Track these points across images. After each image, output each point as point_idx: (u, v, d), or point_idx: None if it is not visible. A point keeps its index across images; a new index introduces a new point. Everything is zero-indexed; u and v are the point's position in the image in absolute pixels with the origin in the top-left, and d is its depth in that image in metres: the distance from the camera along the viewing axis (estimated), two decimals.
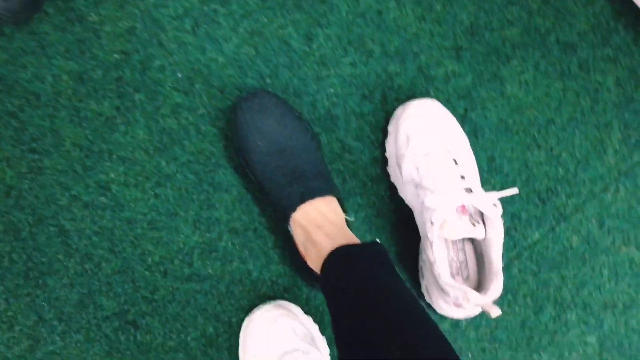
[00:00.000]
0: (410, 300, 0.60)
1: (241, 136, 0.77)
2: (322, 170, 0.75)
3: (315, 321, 0.81)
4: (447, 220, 0.73)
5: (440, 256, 0.73)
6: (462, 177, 0.75)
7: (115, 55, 0.82)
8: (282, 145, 0.77)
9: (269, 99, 0.77)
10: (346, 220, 0.76)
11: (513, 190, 0.71)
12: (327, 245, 0.68)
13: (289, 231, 0.74)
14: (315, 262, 0.71)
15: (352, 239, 0.69)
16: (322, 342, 0.80)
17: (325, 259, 0.67)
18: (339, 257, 0.66)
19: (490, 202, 0.71)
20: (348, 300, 0.63)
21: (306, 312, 0.81)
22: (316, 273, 0.72)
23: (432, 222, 0.72)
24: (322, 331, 0.81)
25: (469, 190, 0.75)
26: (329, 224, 0.72)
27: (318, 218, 0.73)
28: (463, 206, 0.75)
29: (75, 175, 0.81)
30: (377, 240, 0.74)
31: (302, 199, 0.73)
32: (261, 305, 0.77)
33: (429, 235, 0.73)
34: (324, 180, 0.74)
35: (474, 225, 0.74)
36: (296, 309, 0.79)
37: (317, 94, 0.84)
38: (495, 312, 0.71)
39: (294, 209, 0.73)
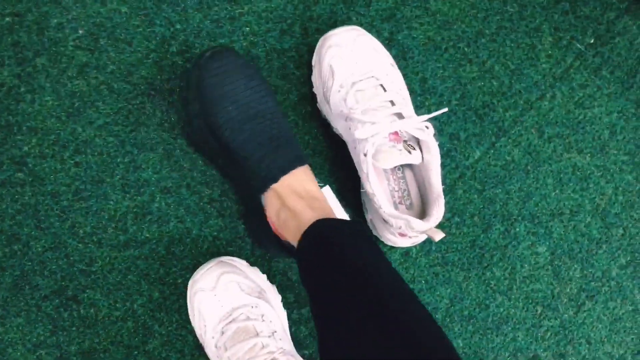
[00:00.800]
0: (395, 279, 0.59)
1: (207, 101, 0.71)
2: (293, 137, 0.72)
3: (262, 271, 0.78)
4: (380, 150, 0.70)
5: (378, 188, 0.71)
6: (392, 103, 0.72)
7: (7, 19, 0.75)
8: (253, 110, 0.72)
9: (235, 58, 0.71)
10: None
11: (442, 110, 0.68)
12: (308, 216, 0.66)
13: (257, 201, 0.71)
14: (292, 233, 0.68)
15: (332, 213, 0.67)
16: (272, 291, 0.78)
17: (305, 231, 0.64)
18: (321, 229, 0.64)
19: (421, 125, 0.68)
20: (328, 275, 0.62)
21: (252, 264, 0.78)
22: (288, 244, 0.69)
23: (364, 154, 0.69)
24: (271, 280, 0.79)
25: (400, 116, 0.72)
26: (309, 195, 0.70)
27: (299, 188, 0.70)
28: (395, 133, 0.72)
29: None
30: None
31: (284, 170, 0.70)
32: (204, 265, 0.75)
33: (363, 168, 0.70)
34: (298, 149, 0.71)
35: (408, 151, 0.71)
36: (240, 263, 0.76)
37: (233, 35, 0.79)
38: (438, 235, 0.70)
39: (275, 180, 0.69)
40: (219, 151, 0.73)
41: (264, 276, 0.79)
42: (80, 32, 0.76)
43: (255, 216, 0.74)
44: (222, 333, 0.73)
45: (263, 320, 0.73)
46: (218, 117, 0.71)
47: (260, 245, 0.78)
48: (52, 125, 0.77)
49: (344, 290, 0.59)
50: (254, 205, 0.73)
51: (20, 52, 0.76)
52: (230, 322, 0.73)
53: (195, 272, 0.76)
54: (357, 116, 0.71)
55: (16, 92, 0.76)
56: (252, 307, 0.73)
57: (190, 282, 0.76)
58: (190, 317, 0.76)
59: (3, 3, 0.75)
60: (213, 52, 0.70)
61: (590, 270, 0.87)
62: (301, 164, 0.70)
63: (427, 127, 0.69)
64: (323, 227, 0.65)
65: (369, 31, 0.80)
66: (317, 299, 0.62)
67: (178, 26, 0.78)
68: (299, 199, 0.69)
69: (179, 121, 0.78)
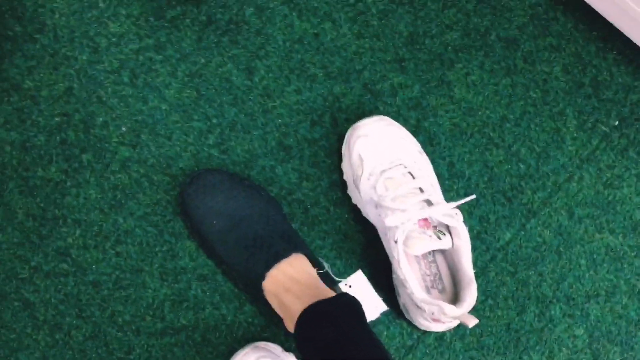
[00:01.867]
0: (378, 351, 0.63)
1: (194, 220, 0.79)
2: (284, 231, 0.77)
3: (297, 357, 0.79)
4: (410, 236, 0.72)
5: (410, 274, 0.72)
6: (421, 190, 0.74)
7: (56, 119, 0.81)
8: (236, 217, 0.78)
9: (212, 176, 0.79)
10: (321, 272, 0.75)
11: (470, 197, 0.70)
12: (296, 307, 0.70)
13: (263, 301, 0.75)
14: (289, 326, 0.72)
15: (321, 294, 0.70)
16: None
17: (296, 322, 0.68)
18: (308, 318, 0.68)
19: (450, 212, 0.70)
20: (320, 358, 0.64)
21: (287, 350, 0.79)
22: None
23: (395, 241, 0.71)
24: None
25: (429, 203, 0.74)
26: (297, 284, 0.73)
27: (285, 281, 0.74)
28: (425, 219, 0.74)
29: (33, 245, 0.80)
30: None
31: (268, 266, 0.74)
32: (239, 350, 0.76)
33: (394, 254, 0.72)
34: (286, 241, 0.76)
35: (439, 237, 0.73)
36: (275, 348, 0.77)
37: (266, 127, 0.83)
38: (472, 322, 0.70)
39: (262, 278, 0.74)
40: (220, 262, 0.80)
41: None
42: (124, 129, 0.82)
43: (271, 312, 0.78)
44: None
45: None
46: (206, 233, 0.78)
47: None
48: (95, 217, 0.81)
49: None
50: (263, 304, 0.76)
51: (67, 149, 0.81)
52: None
53: (232, 358, 0.77)
54: (387, 204, 0.73)
55: (62, 187, 0.81)
56: None
57: None
58: None
59: (53, 105, 0.81)
60: (192, 178, 0.78)
61: (630, 353, 0.86)
62: (287, 254, 0.75)
63: (455, 214, 0.71)
64: (307, 318, 0.68)
65: (396, 119, 0.84)
66: None
67: (215, 120, 0.83)
68: (286, 291, 0.73)
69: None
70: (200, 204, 0.76)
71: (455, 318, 0.72)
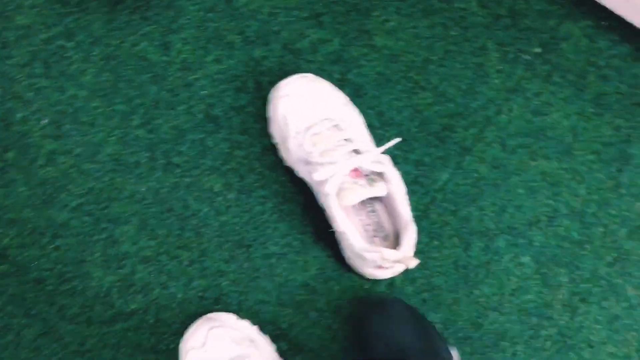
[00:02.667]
0: None
1: (363, 335, 0.77)
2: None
3: (253, 323, 0.80)
4: (342, 188, 0.73)
5: (348, 225, 0.73)
6: (348, 141, 0.75)
7: None
8: (399, 352, 0.76)
9: (396, 307, 0.78)
10: None
11: (395, 140, 0.71)
12: None
13: None
14: None
15: None
16: (264, 341, 0.79)
17: None
18: None
19: (377, 158, 0.70)
20: None
21: (243, 317, 0.80)
22: None
23: (327, 195, 0.71)
24: (263, 331, 0.81)
25: (358, 153, 0.75)
26: None
27: None
28: (356, 169, 0.75)
29: None
30: None
31: None
32: (191, 325, 0.76)
33: (329, 208, 0.72)
34: None
35: (371, 185, 0.74)
36: (228, 317, 0.78)
37: (191, 100, 0.83)
38: (412, 262, 0.71)
39: None
40: None
41: (255, 327, 0.80)
42: (45, 121, 0.81)
43: None
44: None
45: None
46: (367, 352, 0.75)
47: None
48: (28, 215, 0.80)
49: None
50: None
51: None
52: None
53: (184, 333, 0.78)
54: (316, 159, 0.74)
55: None
56: (245, 358, 0.75)
57: (180, 344, 0.78)
58: None
59: None
60: (378, 302, 0.77)
61: (578, 273, 0.88)
62: None
63: (384, 159, 0.72)
64: None
65: (320, 75, 0.84)
66: None
67: (137, 101, 0.82)
68: None
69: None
70: (376, 327, 0.76)
71: (396, 262, 0.73)
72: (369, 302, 0.78)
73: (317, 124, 0.77)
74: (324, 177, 0.72)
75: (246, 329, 0.80)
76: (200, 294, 0.83)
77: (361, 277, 0.84)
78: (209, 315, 0.79)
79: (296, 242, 0.85)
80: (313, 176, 0.72)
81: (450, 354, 0.77)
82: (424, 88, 0.87)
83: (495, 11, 0.88)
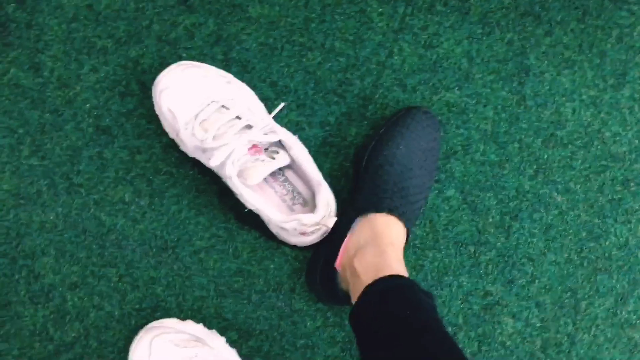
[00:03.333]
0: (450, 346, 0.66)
1: (391, 142, 0.83)
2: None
3: (197, 321, 0.80)
4: (244, 168, 0.73)
5: (259, 202, 0.74)
6: (238, 118, 0.74)
7: None
8: (420, 167, 0.84)
9: (426, 119, 0.84)
10: None
11: (280, 106, 0.71)
12: (392, 264, 0.72)
13: (348, 223, 0.78)
14: (365, 269, 0.73)
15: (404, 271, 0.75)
16: (212, 336, 0.80)
17: (382, 277, 0.70)
18: (401, 286, 0.70)
19: (268, 129, 0.70)
20: (386, 329, 0.67)
21: (185, 319, 0.79)
22: (340, 274, 0.77)
23: (229, 176, 0.71)
24: (209, 326, 0.81)
25: (250, 127, 0.74)
26: (401, 250, 0.77)
27: (399, 239, 0.78)
28: (255, 146, 0.75)
29: None
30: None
31: (403, 216, 0.78)
32: (134, 338, 0.76)
33: (234, 190, 0.72)
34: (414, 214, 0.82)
35: (272, 157, 0.73)
36: (170, 322, 0.79)
37: (77, 117, 0.82)
38: (331, 222, 0.72)
39: (390, 212, 0.77)
40: (364, 167, 0.83)
41: (200, 325, 0.80)
42: None
43: (331, 239, 0.81)
44: None
45: None
46: (395, 152, 0.82)
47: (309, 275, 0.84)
48: None
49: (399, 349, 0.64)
50: (342, 224, 0.80)
51: None
52: None
53: (129, 348, 0.77)
54: (210, 145, 0.74)
55: None
56: (193, 357, 0.75)
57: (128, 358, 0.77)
58: None
59: None
60: (415, 109, 0.86)
61: (503, 193, 0.91)
62: (410, 225, 0.80)
63: (276, 128, 0.72)
64: (403, 282, 0.71)
65: (203, 60, 0.84)
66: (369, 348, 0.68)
67: (21, 130, 0.81)
68: (390, 243, 0.76)
69: None
70: (406, 133, 0.83)
71: (317, 224, 0.73)
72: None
73: (203, 110, 0.77)
74: (221, 160, 0.72)
75: (191, 329, 0.80)
76: (137, 306, 0.83)
77: (293, 247, 0.84)
78: (150, 324, 0.80)
79: (221, 232, 0.85)
80: (210, 162, 0.71)
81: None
82: (310, 48, 0.87)
83: None
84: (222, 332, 0.85)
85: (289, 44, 0.90)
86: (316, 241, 0.87)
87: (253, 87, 0.87)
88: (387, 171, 0.79)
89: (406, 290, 0.70)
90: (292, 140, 0.76)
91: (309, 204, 0.85)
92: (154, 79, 0.88)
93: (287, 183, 0.84)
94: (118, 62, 0.86)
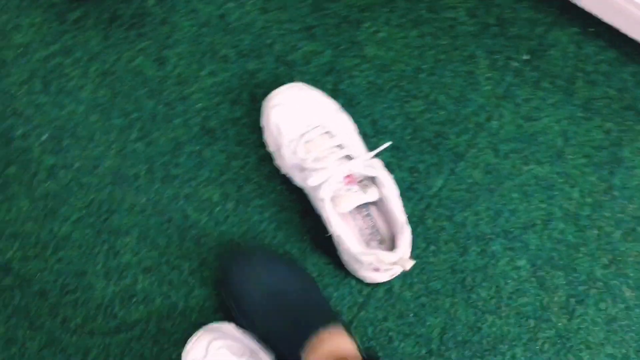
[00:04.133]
0: None
1: (238, 296, 0.83)
2: (320, 303, 0.83)
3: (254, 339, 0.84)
4: (337, 195, 0.76)
5: (344, 229, 0.77)
6: (340, 147, 0.78)
7: None
8: (277, 290, 0.83)
9: (252, 253, 0.84)
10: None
11: (385, 145, 0.75)
12: None
13: None
14: None
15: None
16: (263, 350, 0.82)
17: None
18: None
19: (368, 163, 0.74)
20: None
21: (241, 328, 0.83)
22: None
23: (322, 200, 0.75)
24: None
25: (349, 158, 0.78)
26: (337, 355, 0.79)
27: (326, 353, 0.78)
28: (349, 176, 0.79)
29: None
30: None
31: (300, 344, 0.79)
32: (192, 336, 0.80)
33: (323, 213, 0.77)
34: (325, 312, 0.82)
35: (364, 191, 0.77)
36: (228, 327, 0.82)
37: (187, 113, 0.87)
38: (409, 264, 0.75)
39: (302, 347, 0.79)
40: (258, 335, 0.85)
41: (255, 337, 0.83)
42: (44, 137, 0.85)
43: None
44: None
45: None
46: (248, 306, 0.82)
47: None
48: (30, 228, 0.84)
49: None
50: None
51: None
52: None
53: (186, 345, 0.80)
54: (309, 165, 0.78)
55: None
56: None
57: (182, 356, 0.80)
58: None
59: None
60: (237, 255, 0.84)
61: (574, 275, 0.92)
62: (325, 326, 0.79)
63: (375, 164, 0.75)
64: None
65: (314, 86, 0.88)
66: None
67: (134, 115, 0.86)
68: None
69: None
70: (244, 280, 0.83)
71: (393, 264, 0.76)
72: (229, 256, 0.85)
73: (309, 132, 0.81)
74: (318, 182, 0.76)
75: (246, 339, 0.83)
76: (201, 303, 0.86)
77: (359, 281, 0.87)
78: (210, 325, 0.82)
79: (295, 250, 0.88)
80: (307, 182, 0.76)
81: (315, 283, 0.85)
82: (415, 96, 0.92)
83: (484, 20, 0.93)
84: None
85: (397, 88, 0.95)
86: (385, 280, 0.89)
87: (354, 120, 0.92)
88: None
89: None
90: (386, 179, 0.80)
91: (385, 243, 0.88)
92: (265, 93, 0.94)
93: (369, 218, 0.88)
94: (235, 72, 0.92)
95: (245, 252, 0.85)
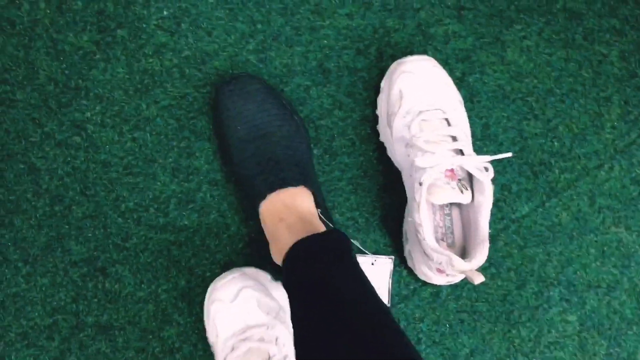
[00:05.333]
0: (372, 302, 0.66)
1: (220, 120, 0.82)
2: (301, 160, 0.82)
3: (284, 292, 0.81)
4: (434, 184, 0.74)
5: (427, 220, 0.75)
6: (454, 139, 0.76)
7: None
8: (261, 131, 0.81)
9: (252, 83, 0.82)
10: (321, 215, 0.76)
11: (506, 154, 0.73)
12: (287, 239, 0.74)
13: (257, 217, 0.80)
14: (277, 257, 0.77)
15: (314, 230, 0.74)
16: (288, 314, 0.80)
17: (285, 255, 0.72)
18: (297, 253, 0.72)
19: (481, 165, 0.71)
20: (306, 301, 0.68)
21: (277, 279, 0.80)
22: (279, 267, 0.72)
23: (420, 183, 0.72)
24: None
25: (459, 153, 0.76)
26: (294, 216, 0.77)
27: (283, 209, 0.78)
28: (452, 170, 0.77)
29: (49, 111, 0.81)
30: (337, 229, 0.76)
31: (271, 188, 0.78)
32: (226, 273, 0.77)
33: (416, 197, 0.74)
34: (299, 171, 0.80)
35: (461, 191, 0.75)
36: (264, 277, 0.79)
37: (310, 45, 0.84)
38: (478, 279, 0.73)
39: (262, 198, 0.78)
40: (230, 171, 0.83)
41: (286, 296, 0.81)
42: (165, 13, 0.82)
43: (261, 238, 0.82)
44: (233, 349, 0.75)
45: (276, 344, 0.76)
46: (227, 137, 0.81)
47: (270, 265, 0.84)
48: (118, 97, 0.81)
49: (316, 324, 0.65)
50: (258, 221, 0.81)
51: (103, 20, 0.81)
52: (244, 340, 0.75)
53: (217, 279, 0.79)
54: (420, 144, 0.75)
55: (91, 59, 0.81)
56: (268, 327, 0.75)
57: (210, 288, 0.79)
58: (205, 321, 0.79)
59: None
60: (231, 77, 0.82)
61: (616, 349, 0.90)
62: (294, 184, 0.78)
63: (486, 169, 0.73)
64: (297, 253, 0.71)
65: (443, 67, 0.84)
66: (295, 328, 0.68)
67: (259, 26, 0.83)
68: (280, 220, 0.77)
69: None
70: (232, 106, 0.77)
71: (461, 272, 0.74)
72: (224, 82, 0.82)
73: (430, 111, 0.78)
74: (424, 164, 0.74)
75: (278, 294, 0.80)
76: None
77: (411, 272, 0.86)
78: (246, 270, 0.80)
79: (361, 220, 0.87)
80: (415, 160, 0.73)
81: (307, 138, 0.83)
82: (537, 117, 0.88)
83: (633, 68, 0.89)
84: None
85: (522, 101, 0.92)
86: (439, 283, 0.87)
87: (468, 117, 0.89)
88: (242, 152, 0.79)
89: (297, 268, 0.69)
90: (488, 187, 0.77)
91: (455, 247, 0.85)
92: (393, 55, 0.91)
93: (448, 218, 0.85)
94: (372, 23, 0.89)
95: (245, 80, 0.81)
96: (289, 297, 0.71)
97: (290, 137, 0.81)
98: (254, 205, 0.79)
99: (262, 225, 0.80)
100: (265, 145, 0.80)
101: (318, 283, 0.68)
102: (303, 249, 0.71)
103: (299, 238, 0.71)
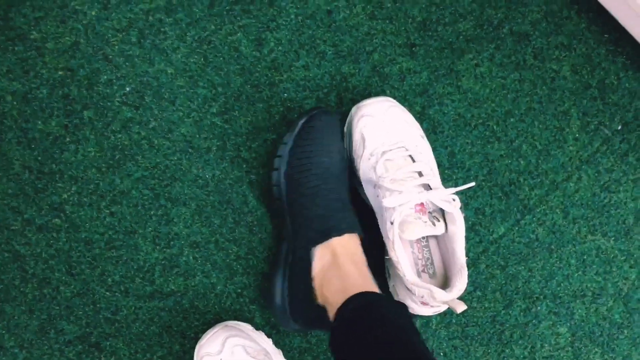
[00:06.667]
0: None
1: (307, 153, 0.83)
2: (351, 205, 0.84)
3: (268, 335, 0.84)
4: (405, 221, 0.77)
5: (403, 256, 0.78)
6: (420, 174, 0.79)
7: (60, 72, 0.85)
8: (337, 169, 0.84)
9: (333, 119, 0.85)
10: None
11: (469, 185, 0.75)
12: (357, 282, 0.77)
13: (306, 254, 0.80)
14: (334, 293, 0.77)
15: (376, 289, 0.78)
16: (277, 355, 0.83)
17: (352, 296, 0.73)
18: (368, 299, 0.74)
19: (448, 198, 0.75)
20: (367, 344, 0.69)
21: (257, 329, 0.83)
22: (320, 305, 0.79)
23: (391, 222, 0.75)
24: (276, 344, 0.85)
25: (427, 187, 0.79)
26: (361, 263, 0.81)
27: (352, 253, 0.81)
28: (421, 204, 0.80)
29: (27, 198, 0.84)
30: None
31: (342, 231, 0.81)
32: (209, 330, 0.81)
33: (389, 235, 0.77)
34: (356, 216, 0.83)
35: (433, 223, 0.78)
36: (246, 327, 0.83)
37: (271, 100, 0.87)
38: (460, 307, 0.75)
39: (331, 236, 0.80)
40: (288, 199, 0.83)
41: (270, 340, 0.84)
42: (128, 89, 0.86)
43: (297, 273, 0.82)
44: None
45: None
46: (312, 164, 0.83)
47: (291, 309, 0.83)
48: (92, 175, 0.85)
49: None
50: (301, 258, 0.82)
51: (69, 104, 0.85)
52: None
53: (201, 337, 0.81)
54: (386, 184, 0.78)
55: (62, 142, 0.85)
56: None
57: (197, 347, 0.82)
58: None
59: (58, 58, 0.85)
60: (316, 112, 0.84)
61: (611, 354, 0.92)
62: (358, 231, 0.83)
63: (453, 200, 0.76)
64: (370, 298, 0.74)
65: (402, 104, 0.89)
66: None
67: (220, 89, 0.87)
68: (350, 262, 0.80)
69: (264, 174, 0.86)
70: (319, 139, 0.83)
71: (444, 303, 0.77)
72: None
73: (392, 150, 0.81)
74: (392, 204, 0.77)
75: (262, 341, 0.83)
76: (239, 290, 0.87)
77: None
78: (228, 322, 0.84)
79: None
80: (383, 201, 0.76)
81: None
82: (499, 139, 0.92)
83: (586, 80, 0.93)
84: (286, 355, 0.89)
85: (483, 126, 0.95)
86: (427, 314, 0.90)
87: (433, 149, 0.92)
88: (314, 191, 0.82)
89: (373, 306, 0.72)
90: (458, 217, 0.80)
91: (436, 278, 0.88)
92: (353, 99, 0.95)
93: (426, 250, 0.88)
94: (329, 71, 0.93)
95: (327, 117, 0.83)
96: (344, 338, 0.71)
97: (346, 179, 0.85)
98: (316, 239, 0.80)
99: (325, 258, 0.80)
100: (340, 184, 0.83)
101: (386, 330, 0.68)
102: (375, 298, 0.73)
103: (368, 289, 0.74)
